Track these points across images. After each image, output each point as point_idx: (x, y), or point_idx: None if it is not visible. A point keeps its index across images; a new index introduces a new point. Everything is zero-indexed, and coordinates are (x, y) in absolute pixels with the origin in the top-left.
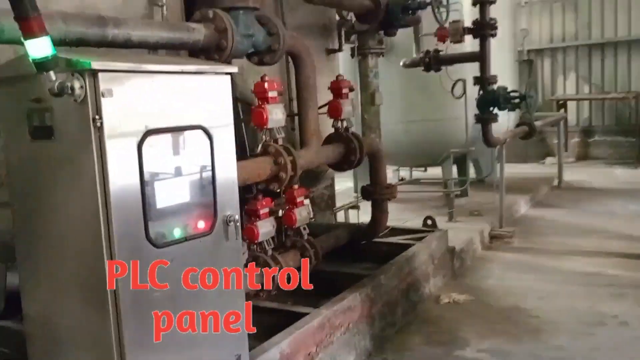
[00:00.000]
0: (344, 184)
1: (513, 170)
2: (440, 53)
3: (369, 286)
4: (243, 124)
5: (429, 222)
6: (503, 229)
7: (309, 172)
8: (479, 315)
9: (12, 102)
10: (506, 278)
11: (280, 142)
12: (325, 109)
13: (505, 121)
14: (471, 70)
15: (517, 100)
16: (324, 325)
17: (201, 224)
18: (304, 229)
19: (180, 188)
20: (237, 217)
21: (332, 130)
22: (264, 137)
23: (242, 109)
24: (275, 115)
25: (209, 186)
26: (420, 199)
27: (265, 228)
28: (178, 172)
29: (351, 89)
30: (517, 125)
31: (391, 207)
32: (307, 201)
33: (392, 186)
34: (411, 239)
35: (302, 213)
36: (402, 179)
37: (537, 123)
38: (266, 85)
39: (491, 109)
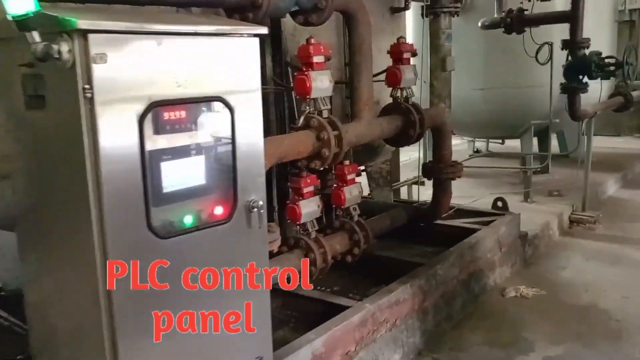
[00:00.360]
0: (411, 154)
1: (602, 144)
2: (525, 12)
3: (423, 277)
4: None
5: (500, 204)
6: (586, 212)
7: (366, 146)
8: (549, 313)
9: (10, 67)
10: (585, 270)
11: (325, 114)
12: (383, 76)
13: (596, 91)
14: (560, 32)
15: (612, 68)
16: (367, 321)
17: (218, 210)
18: (354, 209)
19: (193, 169)
20: (262, 202)
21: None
22: (308, 107)
23: (293, 76)
24: (321, 83)
25: (228, 167)
26: (495, 175)
27: (308, 208)
28: (191, 151)
29: (414, 54)
30: (611, 96)
31: (463, 182)
32: (359, 179)
33: (457, 164)
34: (477, 223)
35: (353, 192)
36: (477, 151)
37: (635, 93)
38: (311, 49)
39: (581, 77)
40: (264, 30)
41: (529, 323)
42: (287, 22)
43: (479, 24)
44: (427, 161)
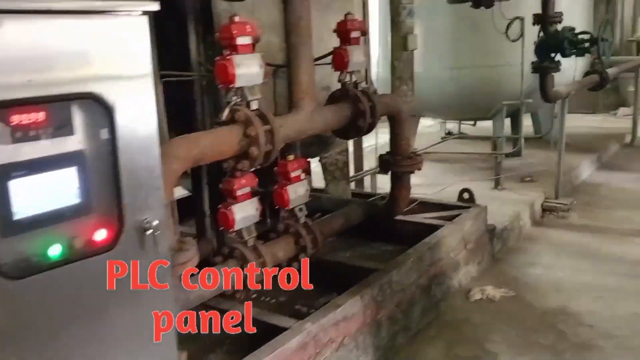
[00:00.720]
0: (379, 138)
1: (577, 123)
2: None
3: (376, 286)
4: None
5: (466, 195)
6: (559, 200)
7: (316, 136)
8: (516, 318)
9: None
10: (556, 266)
11: (254, 105)
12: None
13: (571, 69)
14: (532, 6)
15: (586, 45)
16: (307, 344)
17: (100, 235)
18: (300, 209)
19: (61, 185)
20: (160, 220)
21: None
22: (233, 98)
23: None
24: (247, 69)
25: (109, 180)
26: (466, 160)
27: (244, 212)
28: (55, 163)
29: (363, 32)
30: (586, 74)
31: (431, 168)
32: (305, 176)
33: (416, 156)
34: (441, 217)
35: (299, 191)
36: (448, 133)
37: (612, 70)
38: (234, 28)
39: (553, 55)
40: (152, 6)
41: (494, 331)
42: None
43: None
44: (384, 153)
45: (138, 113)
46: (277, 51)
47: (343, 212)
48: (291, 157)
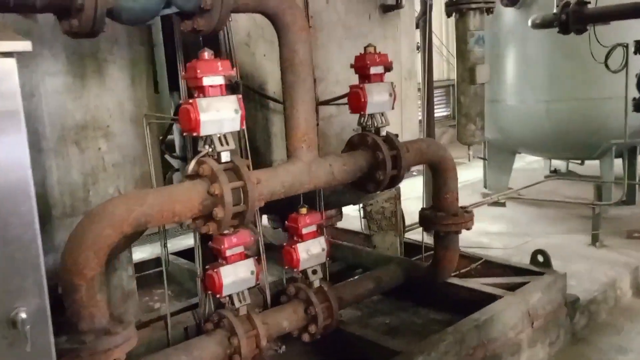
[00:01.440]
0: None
1: None
2: (587, 6)
3: None
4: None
5: (540, 258)
6: None
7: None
8: None
9: None
10: None
11: (225, 157)
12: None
13: None
14: (638, 31)
15: None
16: None
17: None
18: (314, 272)
19: None
20: (33, 311)
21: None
22: (205, 147)
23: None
24: (217, 113)
25: None
26: (576, 202)
27: (234, 275)
28: None
29: (387, 68)
30: None
31: (524, 211)
32: (321, 233)
33: (466, 212)
34: (506, 284)
35: (312, 249)
36: (554, 171)
37: None
38: (199, 66)
39: None
40: (22, 46)
41: None
42: (241, 26)
43: (529, 22)
44: (426, 207)
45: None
46: None
47: (374, 274)
48: (303, 210)
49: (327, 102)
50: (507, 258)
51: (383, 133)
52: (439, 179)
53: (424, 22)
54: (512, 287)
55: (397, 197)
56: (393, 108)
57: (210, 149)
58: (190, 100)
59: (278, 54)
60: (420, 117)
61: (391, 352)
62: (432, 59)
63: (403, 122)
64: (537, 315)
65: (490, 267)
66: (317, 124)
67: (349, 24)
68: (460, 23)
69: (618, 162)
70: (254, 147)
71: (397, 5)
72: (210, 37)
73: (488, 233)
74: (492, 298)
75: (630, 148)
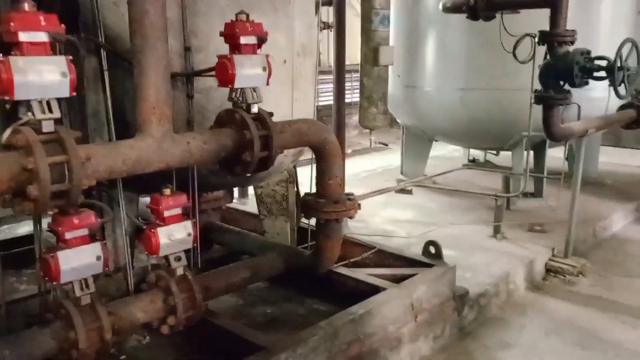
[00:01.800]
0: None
1: (625, 160)
2: None
3: None
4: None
5: (432, 249)
6: (569, 258)
7: None
8: None
9: None
10: (539, 351)
11: (47, 127)
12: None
13: (603, 100)
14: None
15: (602, 73)
16: None
17: None
18: (178, 259)
19: None
20: None
21: None
22: (29, 114)
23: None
24: (35, 76)
25: None
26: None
27: (76, 261)
28: None
29: (261, 39)
30: (621, 108)
31: (436, 199)
32: (186, 217)
33: (349, 199)
34: (393, 275)
35: (175, 234)
36: (472, 160)
37: None
38: (15, 19)
39: (561, 83)
40: None
41: None
42: None
43: (440, 6)
44: (308, 193)
45: None
46: (174, 55)
47: (252, 262)
48: (167, 190)
49: (198, 73)
50: (408, 247)
51: (254, 110)
52: (322, 164)
53: None
54: (399, 279)
55: (291, 181)
56: (268, 84)
57: (33, 117)
58: (2, 58)
59: None
60: (312, 99)
61: (256, 347)
62: (343, 38)
63: (294, 101)
64: (421, 309)
65: (383, 257)
66: (192, 96)
67: None
68: (365, 1)
69: None
70: (124, 120)
71: None
72: None
73: (395, 220)
74: (377, 290)
75: (540, 141)
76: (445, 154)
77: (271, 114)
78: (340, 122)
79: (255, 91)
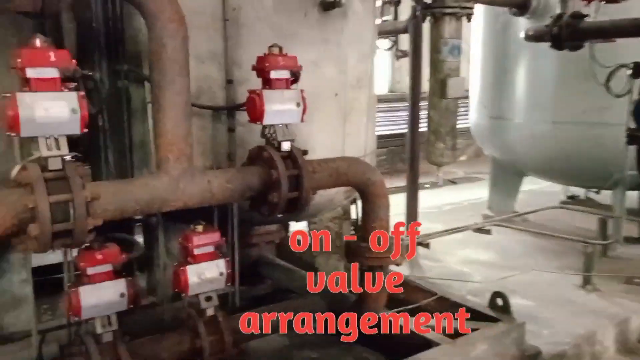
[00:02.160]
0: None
1: None
2: (584, 19)
3: None
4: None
5: (500, 302)
6: None
7: None
8: None
9: None
10: None
11: (54, 164)
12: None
13: None
14: None
15: None
16: None
17: None
18: (209, 299)
19: None
20: None
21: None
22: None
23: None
24: (45, 112)
25: None
26: (566, 238)
27: (97, 297)
28: None
29: (295, 73)
30: None
31: (524, 240)
32: (218, 258)
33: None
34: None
35: (205, 273)
36: (571, 197)
37: None
38: (20, 58)
39: None
40: None
41: None
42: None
43: (521, 35)
44: (351, 236)
45: None
46: (217, 88)
47: (292, 304)
48: (199, 227)
49: (233, 107)
50: (482, 294)
51: (285, 147)
52: (366, 205)
53: (413, 26)
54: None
55: (346, 218)
56: (302, 120)
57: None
58: (8, 94)
59: None
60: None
61: None
62: (420, 68)
63: (345, 136)
64: None
65: (446, 305)
66: (234, 130)
67: (278, 21)
68: (434, 29)
69: None
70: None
71: (336, 3)
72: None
73: (472, 262)
74: (429, 345)
75: None
76: (542, 188)
77: (305, 152)
78: (414, 154)
79: (287, 127)
